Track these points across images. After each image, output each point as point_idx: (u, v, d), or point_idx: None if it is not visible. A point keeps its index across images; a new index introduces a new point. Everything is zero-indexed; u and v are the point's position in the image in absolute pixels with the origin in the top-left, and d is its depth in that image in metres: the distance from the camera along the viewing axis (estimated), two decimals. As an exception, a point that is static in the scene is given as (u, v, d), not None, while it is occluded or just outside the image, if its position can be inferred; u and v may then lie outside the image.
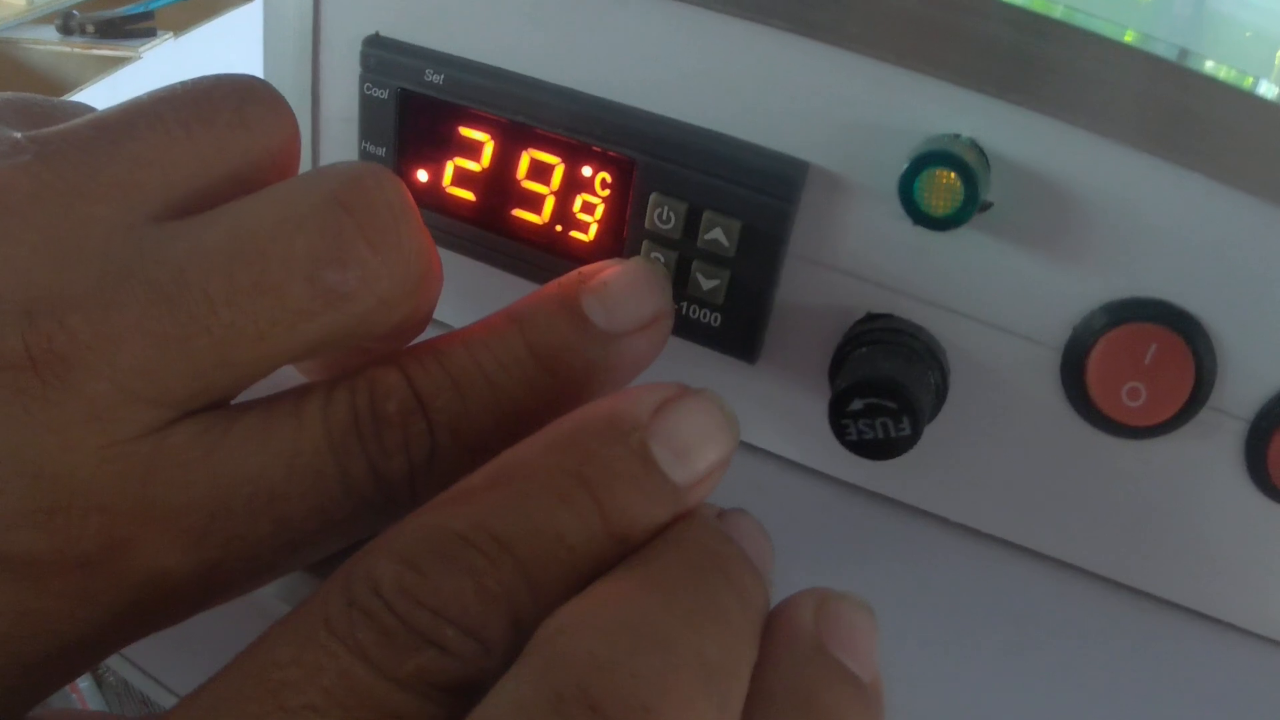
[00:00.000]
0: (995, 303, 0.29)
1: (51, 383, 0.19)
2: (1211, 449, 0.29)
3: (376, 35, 0.33)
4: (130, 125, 0.22)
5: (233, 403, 0.22)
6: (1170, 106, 0.26)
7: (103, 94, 0.64)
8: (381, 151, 0.34)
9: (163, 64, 0.75)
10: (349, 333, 0.22)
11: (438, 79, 0.32)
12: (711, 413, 0.22)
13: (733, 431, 0.22)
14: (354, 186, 0.22)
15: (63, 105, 0.26)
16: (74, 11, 1.31)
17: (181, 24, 1.18)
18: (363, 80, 0.33)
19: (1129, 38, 0.26)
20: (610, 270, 0.26)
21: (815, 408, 0.32)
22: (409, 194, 0.23)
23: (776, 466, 0.34)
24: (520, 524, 0.19)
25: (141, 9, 1.32)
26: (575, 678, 0.16)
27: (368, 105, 0.33)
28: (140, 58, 0.75)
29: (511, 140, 0.32)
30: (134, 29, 1.31)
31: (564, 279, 0.26)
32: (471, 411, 0.23)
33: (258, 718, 0.17)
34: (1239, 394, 0.28)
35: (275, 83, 0.36)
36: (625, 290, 0.26)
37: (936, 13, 0.27)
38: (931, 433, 0.31)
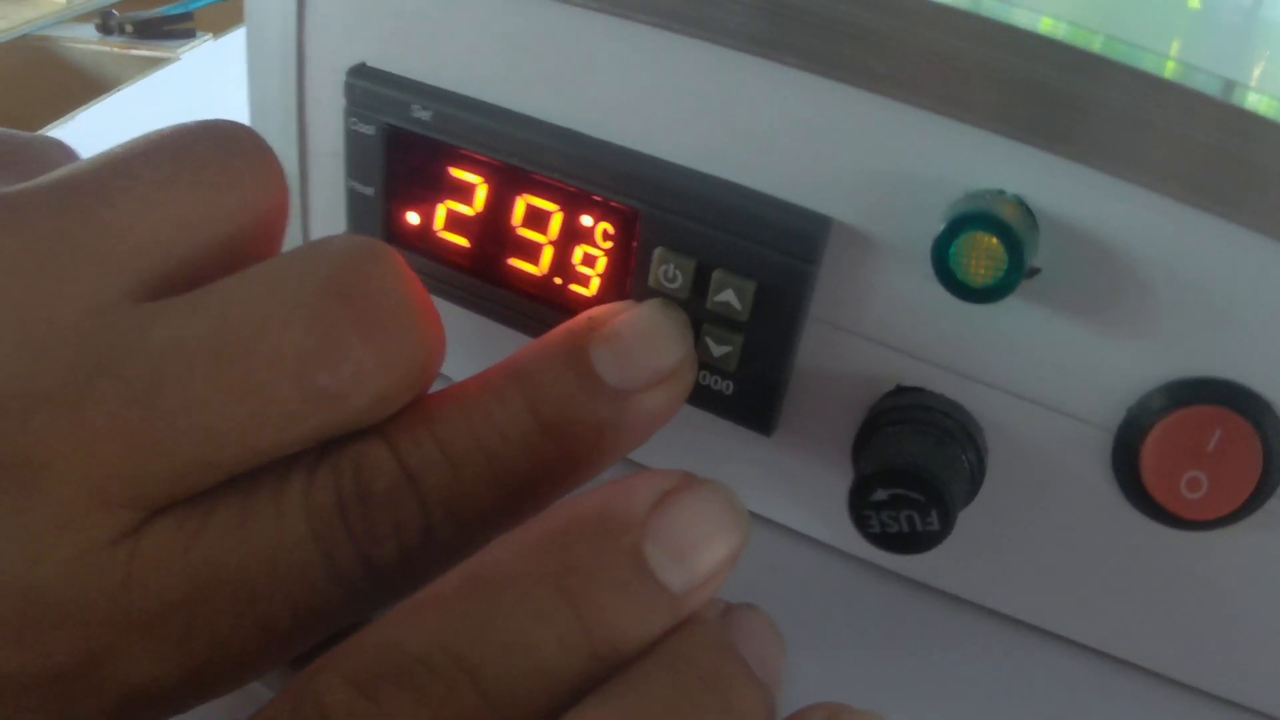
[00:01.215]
0: (1041, 378, 0.26)
1: (13, 490, 0.17)
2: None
3: (363, 65, 0.30)
4: (103, 187, 0.20)
5: None
6: (1240, 163, 0.23)
7: (142, 94, 0.63)
8: (370, 191, 0.31)
9: (201, 65, 0.74)
10: (343, 429, 0.20)
11: (425, 115, 0.29)
12: (718, 507, 0.19)
13: (741, 529, 0.20)
14: (350, 272, 0.20)
15: (34, 143, 0.24)
16: (113, 11, 1.31)
17: (220, 25, 1.18)
18: (348, 114, 0.30)
19: (1192, 81, 0.23)
20: (622, 316, 0.24)
21: (837, 483, 0.29)
22: (412, 276, 0.21)
23: (794, 543, 0.31)
24: (488, 643, 0.17)
25: (180, 9, 1.32)
26: None
27: (354, 141, 0.30)
28: (179, 59, 0.74)
29: (506, 184, 0.29)
30: (173, 29, 1.32)
31: (573, 323, 0.23)
32: (468, 486, 0.21)
33: None
34: (1313, 484, 0.25)
35: (261, 115, 0.34)
36: (640, 340, 0.23)
37: (976, 51, 0.24)
38: (966, 516, 0.28)
